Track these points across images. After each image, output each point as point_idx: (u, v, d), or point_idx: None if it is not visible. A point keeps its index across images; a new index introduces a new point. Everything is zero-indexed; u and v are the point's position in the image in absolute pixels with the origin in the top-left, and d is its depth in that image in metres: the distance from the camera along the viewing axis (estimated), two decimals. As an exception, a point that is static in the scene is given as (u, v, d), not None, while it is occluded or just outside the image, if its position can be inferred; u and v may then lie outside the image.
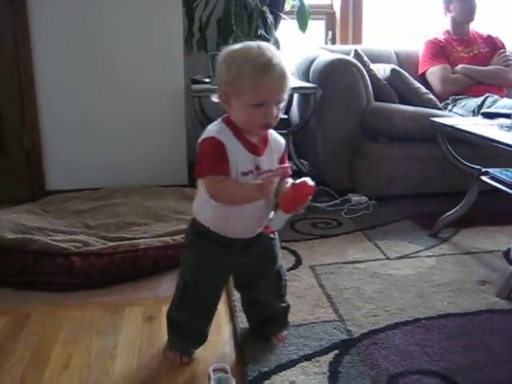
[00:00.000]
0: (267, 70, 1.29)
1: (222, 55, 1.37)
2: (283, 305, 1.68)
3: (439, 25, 3.58)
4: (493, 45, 3.46)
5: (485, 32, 3.52)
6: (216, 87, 1.42)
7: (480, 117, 2.51)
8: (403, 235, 2.52)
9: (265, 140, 1.44)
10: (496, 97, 3.00)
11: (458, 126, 2.19)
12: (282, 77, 1.32)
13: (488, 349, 1.65)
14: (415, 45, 3.55)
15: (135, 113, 3.06)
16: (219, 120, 1.42)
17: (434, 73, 3.34)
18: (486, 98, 3.01)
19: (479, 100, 3.03)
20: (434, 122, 2.36)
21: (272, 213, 1.49)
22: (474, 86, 3.24)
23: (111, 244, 2.19)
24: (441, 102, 3.23)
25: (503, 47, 3.44)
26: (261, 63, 1.29)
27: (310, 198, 1.37)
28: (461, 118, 2.92)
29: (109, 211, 2.61)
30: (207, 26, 3.30)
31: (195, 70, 3.24)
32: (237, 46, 1.36)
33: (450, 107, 3.20)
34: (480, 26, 3.57)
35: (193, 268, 1.53)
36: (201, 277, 1.53)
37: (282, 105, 1.38)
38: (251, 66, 1.29)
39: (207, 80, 3.12)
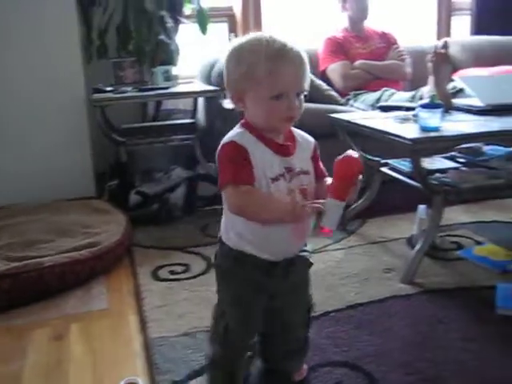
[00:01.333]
0: (283, 56, 1.14)
1: (227, 51, 1.21)
2: (307, 335, 1.46)
3: (338, 22, 3.68)
4: (387, 40, 3.59)
5: (379, 28, 3.65)
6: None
7: (378, 110, 2.60)
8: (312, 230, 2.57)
9: (292, 138, 1.26)
10: (392, 90, 3.13)
11: (353, 121, 2.26)
12: (299, 62, 1.16)
13: (394, 334, 1.72)
14: (315, 43, 3.63)
15: (35, 126, 2.96)
16: (237, 125, 1.24)
17: (335, 69, 3.42)
18: (384, 91, 3.13)
19: (377, 94, 3.14)
20: (333, 117, 2.42)
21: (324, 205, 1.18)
22: (372, 81, 3.35)
23: (15, 264, 2.10)
24: (343, 98, 3.32)
25: (396, 42, 3.58)
26: (275, 49, 1.14)
27: (361, 176, 1.18)
28: (362, 112, 3.02)
29: (12, 230, 2.50)
30: (106, 32, 3.24)
31: (97, 79, 3.16)
32: (242, 38, 1.20)
33: (351, 102, 3.29)
34: (374, 23, 3.69)
35: (235, 303, 1.29)
36: (244, 311, 1.30)
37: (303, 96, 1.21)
38: (265, 53, 1.13)
39: (109, 88, 3.07)
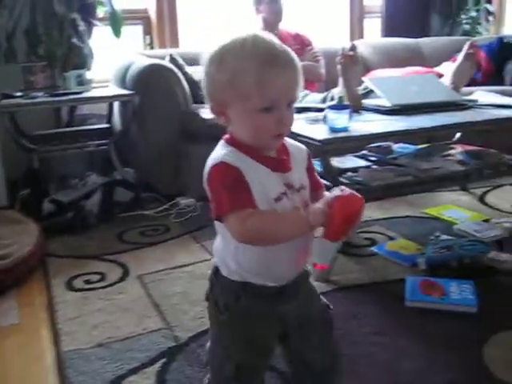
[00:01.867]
0: (272, 60, 0.97)
1: (209, 55, 1.02)
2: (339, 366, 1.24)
3: (253, 25, 3.70)
4: (302, 42, 3.65)
5: (293, 30, 3.71)
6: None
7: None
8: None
9: (285, 150, 1.08)
10: (306, 92, 3.18)
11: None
12: (291, 67, 1.00)
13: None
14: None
15: None
16: (221, 142, 1.05)
17: (250, 72, 3.43)
18: (298, 93, 3.17)
19: (292, 95, 3.18)
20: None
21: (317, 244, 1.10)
22: (288, 82, 3.39)
23: None
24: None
25: (310, 44, 3.65)
26: (262, 52, 0.97)
27: (362, 214, 1.01)
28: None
29: None
30: (13, 35, 3.12)
31: (6, 84, 3.04)
32: (225, 40, 1.02)
33: (268, 104, 3.31)
34: (289, 25, 3.75)
35: (243, 339, 1.10)
36: (256, 345, 1.12)
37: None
38: (251, 57, 0.97)
39: (19, 94, 2.96)
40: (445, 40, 4.20)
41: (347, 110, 2.05)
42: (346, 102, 2.06)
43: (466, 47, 2.76)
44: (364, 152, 2.55)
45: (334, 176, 2.08)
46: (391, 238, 2.46)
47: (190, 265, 2.24)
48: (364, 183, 2.16)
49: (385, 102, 2.44)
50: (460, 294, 1.91)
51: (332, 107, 2.06)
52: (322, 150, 1.96)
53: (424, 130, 2.09)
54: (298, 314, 1.14)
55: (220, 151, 1.03)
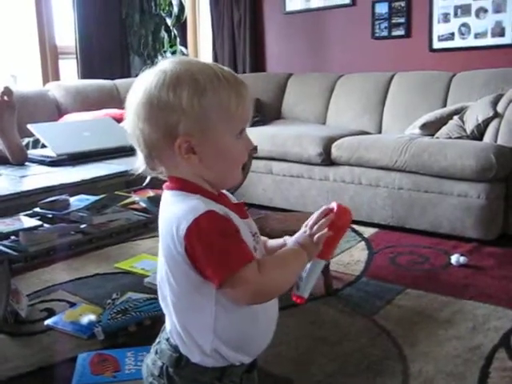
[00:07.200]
0: (239, 81, 0.89)
1: (156, 80, 0.84)
2: None
3: None
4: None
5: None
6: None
7: None
8: None
9: (226, 196, 0.95)
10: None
11: None
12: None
13: None
14: None
15: None
16: (177, 193, 0.88)
17: None
18: None
19: None
20: None
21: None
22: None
23: None
24: None
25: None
26: (229, 74, 0.88)
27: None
28: None
29: None
30: None
31: None
32: (170, 63, 0.86)
33: None
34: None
35: None
36: None
37: None
38: (226, 79, 0.86)
39: None
40: (141, 81, 4.08)
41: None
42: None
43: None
44: (36, 209, 2.22)
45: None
46: (73, 305, 2.15)
47: None
48: (20, 249, 1.81)
49: (50, 152, 2.16)
50: (136, 365, 1.69)
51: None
52: None
53: (82, 183, 1.86)
54: None
55: (190, 201, 0.85)
